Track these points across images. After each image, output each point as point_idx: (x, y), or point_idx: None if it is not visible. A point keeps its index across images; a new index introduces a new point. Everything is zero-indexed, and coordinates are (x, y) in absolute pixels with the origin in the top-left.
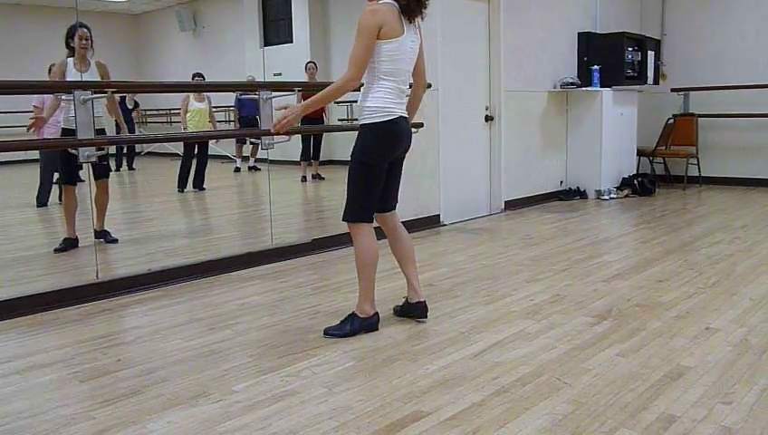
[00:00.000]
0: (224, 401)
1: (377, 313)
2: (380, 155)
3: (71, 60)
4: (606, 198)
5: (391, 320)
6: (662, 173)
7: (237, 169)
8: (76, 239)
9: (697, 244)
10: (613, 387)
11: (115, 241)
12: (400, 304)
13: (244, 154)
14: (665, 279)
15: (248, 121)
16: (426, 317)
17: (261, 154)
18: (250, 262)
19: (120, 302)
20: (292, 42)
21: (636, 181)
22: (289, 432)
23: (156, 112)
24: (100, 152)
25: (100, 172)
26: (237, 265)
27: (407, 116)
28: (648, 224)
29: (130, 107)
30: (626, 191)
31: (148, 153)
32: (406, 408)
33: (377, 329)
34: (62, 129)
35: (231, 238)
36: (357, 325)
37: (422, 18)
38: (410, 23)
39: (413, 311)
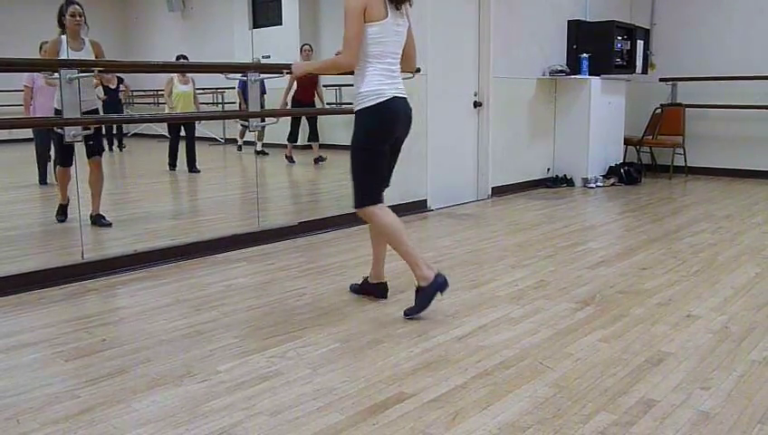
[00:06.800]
0: (209, 381)
1: (437, 274)
2: (380, 138)
3: (64, 37)
4: (592, 186)
5: (376, 303)
6: (648, 162)
7: (240, 149)
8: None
9: (681, 233)
10: (594, 371)
11: (109, 225)
12: (359, 282)
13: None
14: (648, 267)
15: None
16: (386, 298)
17: (248, 137)
18: (236, 244)
19: (106, 282)
20: (281, 24)
21: (622, 170)
22: (273, 412)
23: (143, 93)
24: (87, 132)
25: (95, 149)
26: (224, 247)
27: (402, 95)
28: (633, 212)
29: (113, 87)
30: (612, 180)
31: (135, 134)
32: (389, 389)
33: (446, 288)
34: (55, 109)
35: (218, 220)
36: (426, 297)
37: (410, 4)
38: (397, 9)
39: (374, 290)
